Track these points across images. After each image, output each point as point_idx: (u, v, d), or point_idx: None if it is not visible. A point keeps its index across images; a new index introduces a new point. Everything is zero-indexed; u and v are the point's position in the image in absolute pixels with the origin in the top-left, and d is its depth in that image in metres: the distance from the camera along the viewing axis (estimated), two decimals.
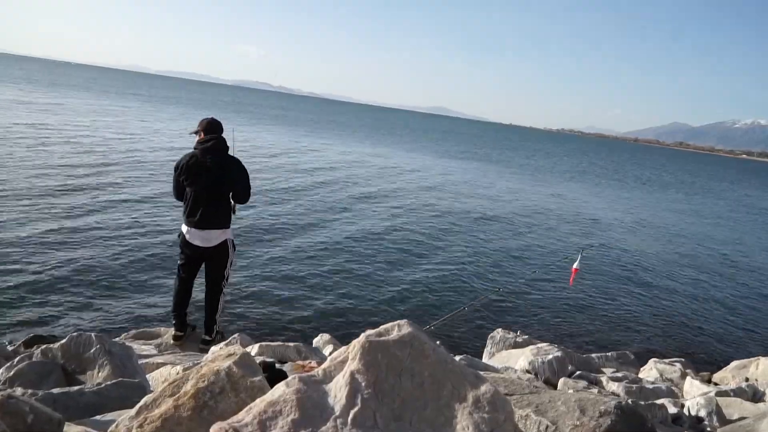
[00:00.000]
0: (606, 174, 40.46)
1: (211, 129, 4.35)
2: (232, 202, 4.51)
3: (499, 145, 65.24)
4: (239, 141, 4.68)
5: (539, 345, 4.37)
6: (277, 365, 2.53)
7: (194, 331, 4.83)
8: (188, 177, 4.29)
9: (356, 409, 1.41)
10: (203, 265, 4.63)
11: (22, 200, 9.73)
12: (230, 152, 4.43)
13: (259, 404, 1.42)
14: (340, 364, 1.55)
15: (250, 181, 4.51)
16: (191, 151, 4.39)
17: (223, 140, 4.37)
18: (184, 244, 4.46)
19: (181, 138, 22.73)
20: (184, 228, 4.42)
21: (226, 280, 4.63)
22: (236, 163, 4.39)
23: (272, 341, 4.07)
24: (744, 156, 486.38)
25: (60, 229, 8.48)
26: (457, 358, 3.78)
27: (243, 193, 4.45)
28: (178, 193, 4.45)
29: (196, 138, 4.43)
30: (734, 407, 3.21)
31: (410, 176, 22.04)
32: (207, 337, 4.61)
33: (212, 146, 4.28)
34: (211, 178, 4.27)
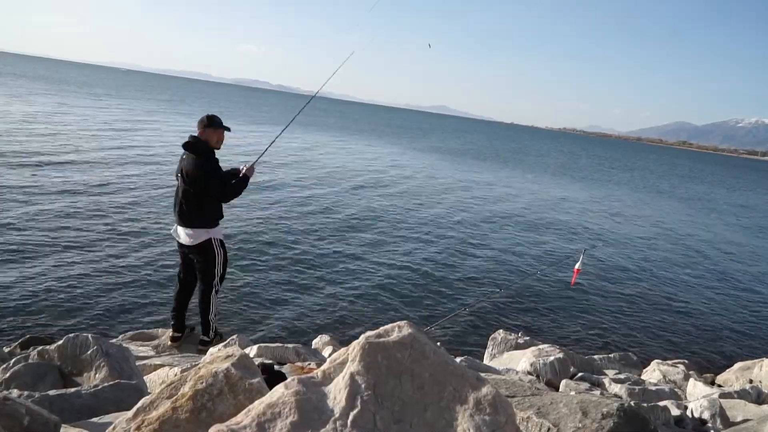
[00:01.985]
0: (610, 173, 40.42)
1: (198, 126, 4.39)
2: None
3: (507, 144, 65.16)
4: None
5: (541, 346, 4.35)
6: (276, 367, 2.51)
7: (192, 333, 4.81)
8: (176, 174, 4.40)
9: (356, 411, 1.39)
10: None
11: (20, 200, 9.73)
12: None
13: (257, 406, 1.40)
14: (340, 366, 1.53)
15: (213, 182, 4.33)
16: None
17: (200, 137, 4.33)
18: (175, 241, 4.54)
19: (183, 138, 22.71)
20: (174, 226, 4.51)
21: (219, 279, 4.56)
22: (205, 161, 4.29)
23: (271, 343, 4.06)
24: (748, 155, 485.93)
25: (57, 229, 8.47)
26: (458, 359, 3.76)
27: (214, 192, 4.32)
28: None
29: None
30: (738, 409, 3.19)
31: (410, 176, 22.02)
32: (205, 338, 4.59)
33: (189, 144, 4.32)
34: (184, 175, 4.29)
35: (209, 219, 4.39)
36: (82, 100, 39.11)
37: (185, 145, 4.33)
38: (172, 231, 4.51)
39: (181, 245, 4.45)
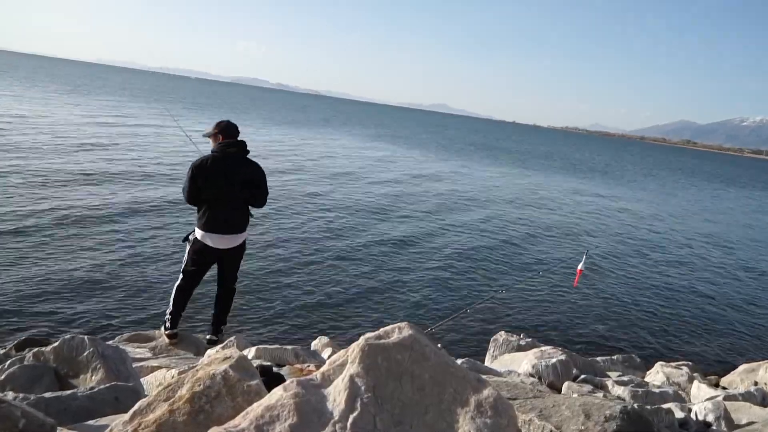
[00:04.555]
0: (612, 172, 40.35)
1: (231, 132, 4.41)
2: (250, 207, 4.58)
3: (511, 144, 65.06)
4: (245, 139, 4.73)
5: (543, 348, 4.33)
6: (275, 369, 2.49)
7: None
8: (209, 180, 4.25)
9: (356, 413, 1.37)
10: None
11: (17, 200, 9.70)
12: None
13: (256, 409, 1.39)
14: (339, 368, 1.52)
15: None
16: (210, 154, 4.37)
17: (244, 143, 4.44)
18: (203, 249, 4.38)
19: (184, 140, 22.73)
20: (201, 233, 4.35)
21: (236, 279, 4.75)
22: (257, 167, 4.47)
23: (269, 344, 4.03)
24: (753, 155, 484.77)
25: (53, 230, 8.43)
26: (459, 361, 3.73)
27: (262, 197, 4.53)
28: (193, 196, 4.34)
29: (211, 141, 4.47)
30: (743, 412, 3.16)
31: (409, 176, 21.97)
32: (215, 337, 4.63)
33: (234, 150, 4.34)
34: (234, 181, 4.30)
35: (248, 222, 4.59)
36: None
37: (233, 152, 4.33)
38: (205, 239, 4.36)
39: (216, 252, 4.40)
